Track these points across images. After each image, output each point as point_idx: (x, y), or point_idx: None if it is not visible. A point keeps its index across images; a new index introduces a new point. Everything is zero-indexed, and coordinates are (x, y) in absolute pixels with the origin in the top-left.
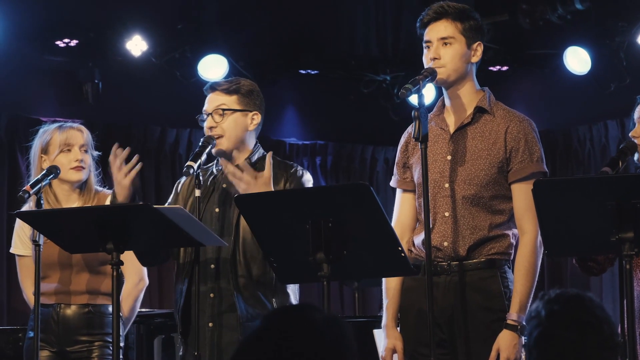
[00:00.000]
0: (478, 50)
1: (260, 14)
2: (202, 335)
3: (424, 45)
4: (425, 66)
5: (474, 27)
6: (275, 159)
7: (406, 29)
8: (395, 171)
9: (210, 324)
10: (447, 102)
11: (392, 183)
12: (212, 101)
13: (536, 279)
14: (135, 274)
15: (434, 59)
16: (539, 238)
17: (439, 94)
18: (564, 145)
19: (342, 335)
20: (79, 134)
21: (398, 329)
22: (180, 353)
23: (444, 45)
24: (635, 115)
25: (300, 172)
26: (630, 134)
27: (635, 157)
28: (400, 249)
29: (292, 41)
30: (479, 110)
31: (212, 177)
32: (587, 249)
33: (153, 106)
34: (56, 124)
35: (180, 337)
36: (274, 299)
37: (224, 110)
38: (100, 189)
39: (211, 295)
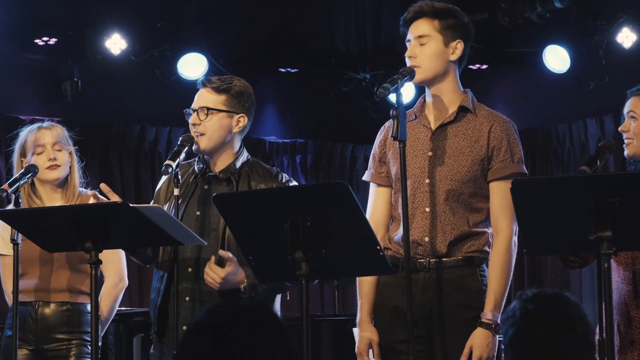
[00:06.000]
0: (458, 48)
1: (240, 13)
2: (178, 337)
3: (406, 43)
4: (407, 64)
5: (452, 25)
6: (260, 166)
7: (386, 28)
8: (371, 165)
9: (185, 328)
10: (428, 99)
11: (366, 177)
12: (200, 98)
13: (510, 277)
14: (115, 274)
15: (410, 57)
16: (514, 237)
17: (419, 92)
18: (544, 144)
19: (281, 340)
20: (48, 133)
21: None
22: (152, 351)
23: (420, 45)
24: (625, 110)
25: (288, 181)
26: (619, 128)
27: (625, 152)
28: (378, 247)
29: (272, 39)
30: (462, 110)
31: (193, 175)
32: (566, 248)
33: (132, 104)
34: (31, 126)
35: (155, 336)
36: None
37: (208, 109)
38: (84, 190)
39: (187, 298)
